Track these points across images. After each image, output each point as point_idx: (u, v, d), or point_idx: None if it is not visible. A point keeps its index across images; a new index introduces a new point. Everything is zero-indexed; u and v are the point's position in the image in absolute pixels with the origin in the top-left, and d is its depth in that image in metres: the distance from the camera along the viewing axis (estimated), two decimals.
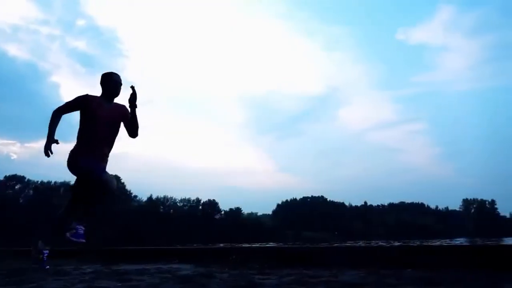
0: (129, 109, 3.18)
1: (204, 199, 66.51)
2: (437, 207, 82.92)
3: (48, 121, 3.04)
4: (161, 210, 61.48)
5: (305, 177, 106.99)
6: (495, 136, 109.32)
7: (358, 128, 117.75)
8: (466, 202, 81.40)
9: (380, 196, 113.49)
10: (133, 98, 3.16)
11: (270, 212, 76.29)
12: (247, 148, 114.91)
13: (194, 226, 54.00)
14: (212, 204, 65.56)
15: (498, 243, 3.20)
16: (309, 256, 2.97)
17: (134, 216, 50.93)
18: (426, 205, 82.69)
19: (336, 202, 77.60)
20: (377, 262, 2.62)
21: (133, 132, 3.24)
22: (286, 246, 2.95)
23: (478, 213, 78.27)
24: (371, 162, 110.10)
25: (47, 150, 2.94)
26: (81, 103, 3.11)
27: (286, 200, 77.28)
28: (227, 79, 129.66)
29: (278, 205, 76.30)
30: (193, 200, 66.18)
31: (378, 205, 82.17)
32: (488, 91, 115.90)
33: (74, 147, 3.11)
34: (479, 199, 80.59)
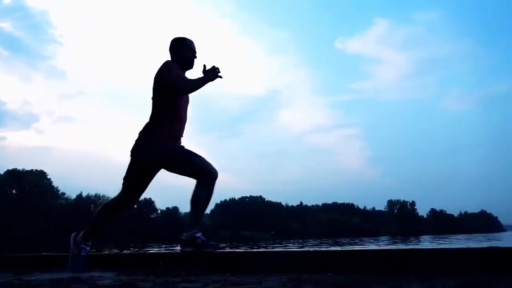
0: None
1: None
2: (365, 207, 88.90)
3: (191, 84, 2.62)
4: (92, 209, 57.86)
5: (244, 177, 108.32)
6: (417, 143, 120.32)
7: (297, 130, 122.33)
8: (390, 203, 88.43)
9: (315, 196, 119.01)
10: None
11: (208, 212, 75.82)
12: (186, 146, 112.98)
13: (128, 226, 51.68)
14: (147, 203, 63.29)
15: (405, 248, 3.51)
16: (238, 261, 2.99)
17: (62, 216, 47.41)
18: (355, 206, 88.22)
19: (274, 202, 79.48)
20: (302, 267, 2.72)
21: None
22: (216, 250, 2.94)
23: (400, 213, 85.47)
24: (308, 164, 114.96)
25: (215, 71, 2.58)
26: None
27: (225, 200, 77.42)
28: None
29: (216, 204, 76.13)
30: None
31: (313, 205, 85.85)
32: (413, 101, 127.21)
33: (148, 130, 2.75)
34: (401, 200, 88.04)
